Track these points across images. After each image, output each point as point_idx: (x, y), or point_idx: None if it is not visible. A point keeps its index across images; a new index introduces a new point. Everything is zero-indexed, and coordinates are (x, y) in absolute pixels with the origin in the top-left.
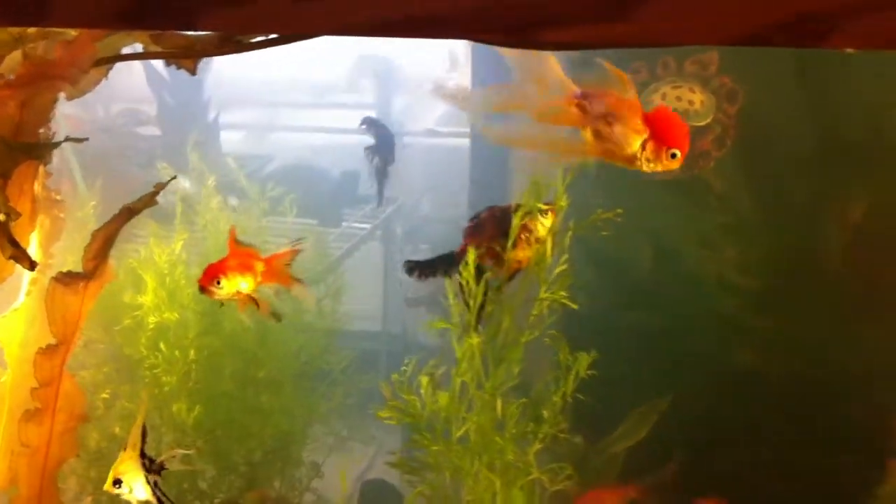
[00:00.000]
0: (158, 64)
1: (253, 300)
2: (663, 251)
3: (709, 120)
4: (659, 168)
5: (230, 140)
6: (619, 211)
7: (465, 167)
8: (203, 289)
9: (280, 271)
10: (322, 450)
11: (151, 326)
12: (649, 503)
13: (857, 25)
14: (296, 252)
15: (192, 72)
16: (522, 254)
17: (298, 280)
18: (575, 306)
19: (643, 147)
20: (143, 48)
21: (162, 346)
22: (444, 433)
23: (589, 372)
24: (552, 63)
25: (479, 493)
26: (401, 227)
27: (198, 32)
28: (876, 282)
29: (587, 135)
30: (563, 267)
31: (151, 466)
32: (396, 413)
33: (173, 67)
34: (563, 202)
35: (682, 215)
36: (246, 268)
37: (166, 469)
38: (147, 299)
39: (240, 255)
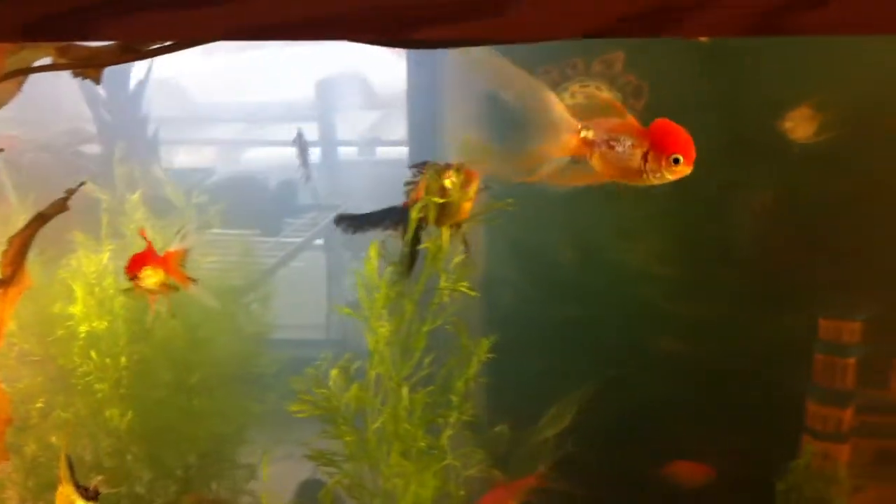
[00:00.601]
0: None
1: (166, 291)
2: (586, 244)
3: None
4: (668, 176)
5: (174, 155)
6: (510, 201)
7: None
8: (133, 277)
9: (175, 270)
10: (257, 452)
11: (83, 335)
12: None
13: (706, 16)
14: (185, 251)
15: (97, 81)
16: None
17: (193, 279)
18: (475, 294)
19: (645, 159)
20: (53, 61)
21: (93, 354)
22: (357, 423)
23: (489, 356)
24: (555, 101)
25: (393, 480)
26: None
27: (96, 43)
28: (784, 267)
29: (595, 162)
30: (463, 256)
31: (88, 494)
32: (308, 406)
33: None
34: (456, 197)
35: (602, 208)
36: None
37: (100, 493)
38: (77, 309)
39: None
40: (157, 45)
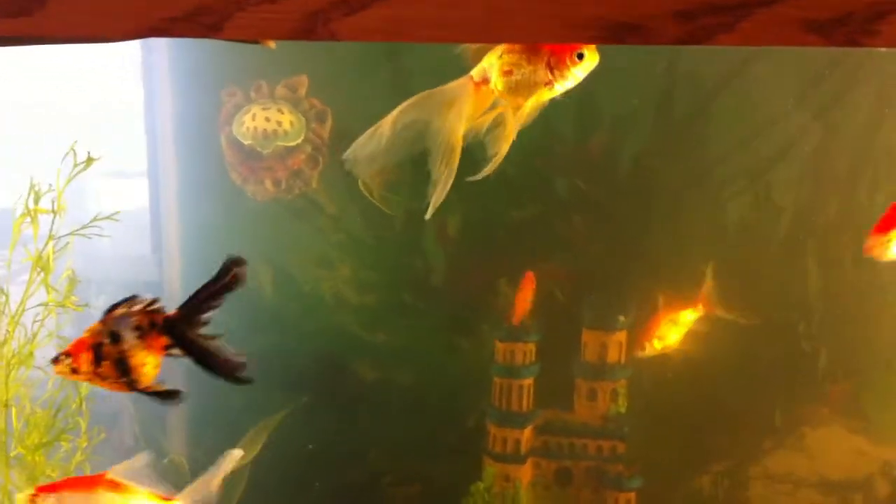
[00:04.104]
0: None
1: None
2: (282, 272)
3: (300, 140)
4: (578, 74)
5: None
6: (118, 212)
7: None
8: None
9: None
10: None
11: None
12: None
13: (249, 17)
14: None
15: None
16: None
17: None
18: (81, 310)
19: (549, 68)
20: None
21: None
22: None
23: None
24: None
25: None
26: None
27: None
28: (470, 291)
29: (501, 97)
30: (70, 271)
31: None
32: None
33: None
34: (63, 206)
35: (298, 236)
36: None
37: None
38: None
39: None
40: None
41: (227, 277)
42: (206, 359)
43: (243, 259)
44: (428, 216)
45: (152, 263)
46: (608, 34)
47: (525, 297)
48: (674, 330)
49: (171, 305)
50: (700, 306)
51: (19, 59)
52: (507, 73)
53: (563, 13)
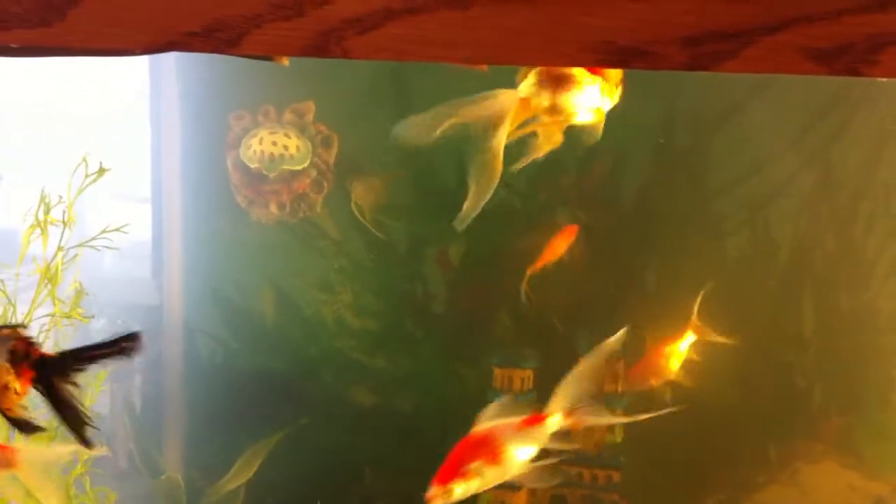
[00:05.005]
0: None
1: None
2: (284, 296)
3: (305, 164)
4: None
5: None
6: (128, 223)
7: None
8: None
9: None
10: None
11: None
12: None
13: (262, 35)
14: None
15: None
16: None
17: None
18: (87, 321)
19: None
20: None
21: None
22: None
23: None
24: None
25: None
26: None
27: None
28: (470, 318)
29: (545, 116)
30: (77, 284)
31: None
32: None
33: None
34: (72, 217)
35: (301, 260)
36: None
37: None
38: None
39: None
40: None
41: (117, 347)
42: (60, 407)
43: (139, 337)
44: (461, 226)
45: (153, 287)
46: (616, 58)
47: (558, 244)
48: (671, 361)
49: (171, 330)
50: (690, 332)
51: (31, 66)
52: (558, 93)
53: (573, 37)
